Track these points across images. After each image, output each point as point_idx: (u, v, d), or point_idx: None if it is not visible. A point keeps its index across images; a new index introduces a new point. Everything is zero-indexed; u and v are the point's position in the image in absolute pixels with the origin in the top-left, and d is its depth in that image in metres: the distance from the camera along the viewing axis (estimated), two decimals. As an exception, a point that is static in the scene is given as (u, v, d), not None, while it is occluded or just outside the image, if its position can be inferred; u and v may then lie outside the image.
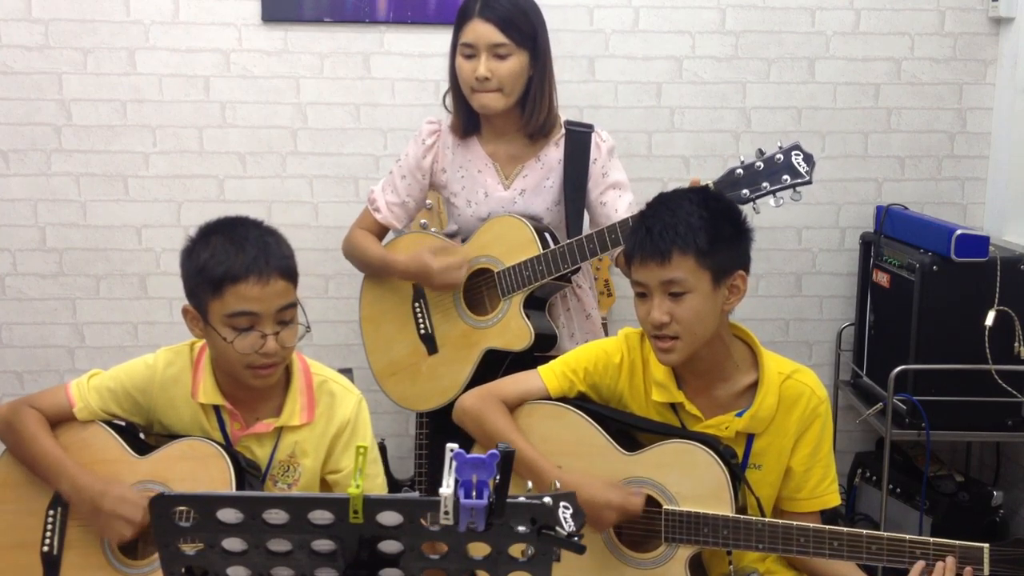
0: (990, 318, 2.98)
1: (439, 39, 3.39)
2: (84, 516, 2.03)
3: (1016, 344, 3.01)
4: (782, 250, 3.58)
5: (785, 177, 2.41)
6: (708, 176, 2.47)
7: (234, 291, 1.97)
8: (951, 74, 3.50)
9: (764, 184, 2.42)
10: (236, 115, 3.42)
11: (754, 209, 2.43)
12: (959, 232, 2.99)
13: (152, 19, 3.36)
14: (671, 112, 3.49)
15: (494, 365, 2.64)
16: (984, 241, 3.02)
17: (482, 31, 2.56)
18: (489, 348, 2.67)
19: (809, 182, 2.42)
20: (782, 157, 2.42)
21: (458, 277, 2.67)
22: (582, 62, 3.42)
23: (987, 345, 2.98)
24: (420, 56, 3.41)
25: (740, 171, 2.43)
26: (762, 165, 2.42)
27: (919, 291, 3.04)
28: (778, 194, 2.43)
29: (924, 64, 3.50)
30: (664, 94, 3.48)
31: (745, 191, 2.43)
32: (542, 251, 2.59)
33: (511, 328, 2.64)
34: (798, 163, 2.41)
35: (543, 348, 2.65)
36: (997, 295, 2.99)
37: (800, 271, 3.61)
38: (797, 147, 2.42)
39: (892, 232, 3.32)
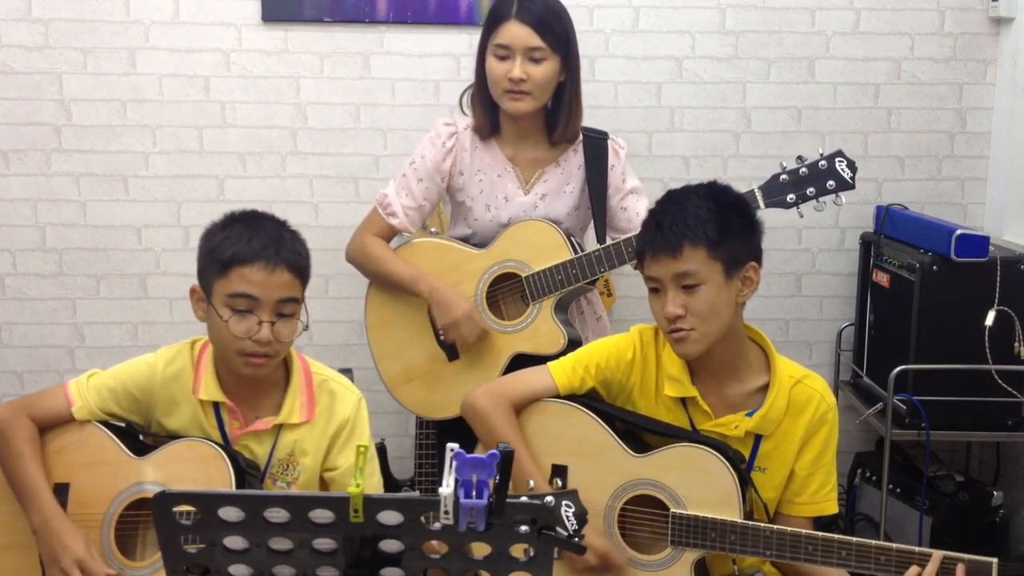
0: (990, 318, 2.98)
1: (439, 39, 3.39)
2: (43, 553, 2.02)
3: (1016, 344, 3.01)
4: (782, 250, 3.57)
5: (831, 183, 2.50)
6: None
7: (239, 273, 2.01)
8: (951, 74, 3.50)
9: (810, 190, 2.51)
10: (236, 115, 3.42)
11: (799, 214, 2.52)
12: (959, 232, 2.99)
13: (152, 19, 3.36)
14: (671, 112, 3.49)
15: (516, 370, 2.59)
16: (984, 241, 3.02)
17: (518, 33, 2.54)
18: (518, 353, 2.63)
19: (854, 187, 2.51)
20: (826, 164, 2.49)
21: (467, 335, 2.63)
22: (582, 62, 3.37)
23: (987, 345, 2.98)
24: (420, 56, 3.41)
25: (785, 176, 2.50)
26: (807, 171, 2.50)
27: (919, 291, 3.04)
28: (820, 199, 2.51)
29: (924, 64, 3.50)
30: (664, 94, 3.48)
31: (791, 196, 2.50)
32: (575, 255, 2.58)
33: (542, 332, 2.61)
34: (842, 169, 2.50)
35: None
36: (997, 295, 2.99)
37: (800, 271, 3.61)
38: (840, 154, 2.51)
39: (892, 232, 3.32)
